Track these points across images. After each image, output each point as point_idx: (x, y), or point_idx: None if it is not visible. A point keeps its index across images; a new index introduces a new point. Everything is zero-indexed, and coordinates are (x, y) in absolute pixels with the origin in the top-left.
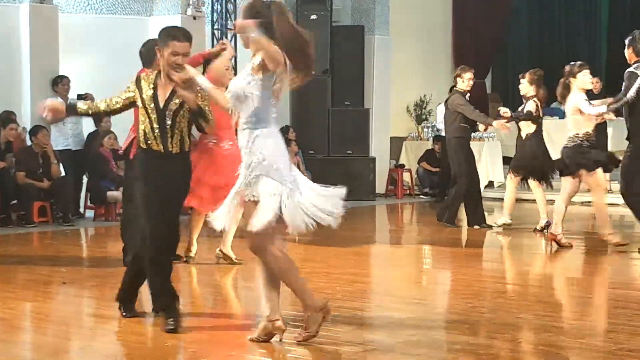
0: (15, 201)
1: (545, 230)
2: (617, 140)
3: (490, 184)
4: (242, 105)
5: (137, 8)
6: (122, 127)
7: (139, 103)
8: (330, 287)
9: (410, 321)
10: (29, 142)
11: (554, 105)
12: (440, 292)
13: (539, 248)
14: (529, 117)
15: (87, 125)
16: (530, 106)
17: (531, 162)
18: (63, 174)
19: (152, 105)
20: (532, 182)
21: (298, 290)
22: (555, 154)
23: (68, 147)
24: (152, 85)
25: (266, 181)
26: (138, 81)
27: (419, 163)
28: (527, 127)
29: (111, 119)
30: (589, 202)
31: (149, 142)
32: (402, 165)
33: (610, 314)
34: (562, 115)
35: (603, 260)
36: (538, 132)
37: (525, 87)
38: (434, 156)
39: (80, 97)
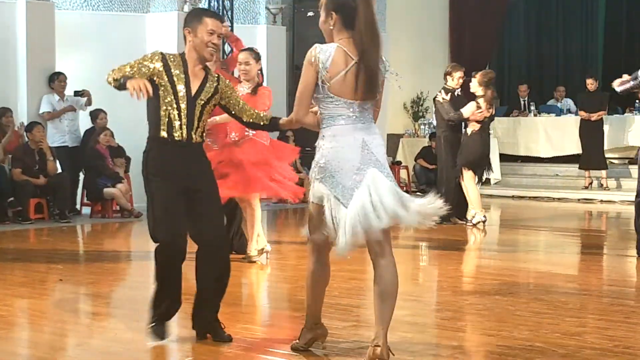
0: (11, 198)
1: (479, 224)
2: (612, 138)
3: (486, 181)
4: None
5: (133, 5)
6: (119, 125)
7: (166, 85)
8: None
9: (407, 318)
10: (25, 139)
11: (550, 102)
12: (436, 289)
13: (535, 245)
14: (457, 118)
15: (84, 122)
16: (467, 108)
17: (472, 156)
18: (59, 170)
19: (184, 92)
20: (467, 175)
21: (307, 304)
22: (555, 150)
23: (65, 143)
24: (182, 69)
25: (318, 186)
26: (166, 63)
27: (415, 160)
28: (472, 125)
29: (107, 115)
30: (586, 199)
31: (174, 130)
32: (399, 162)
33: (607, 311)
34: (558, 112)
35: (599, 257)
36: (482, 129)
37: (475, 86)
38: (430, 153)
39: (77, 93)
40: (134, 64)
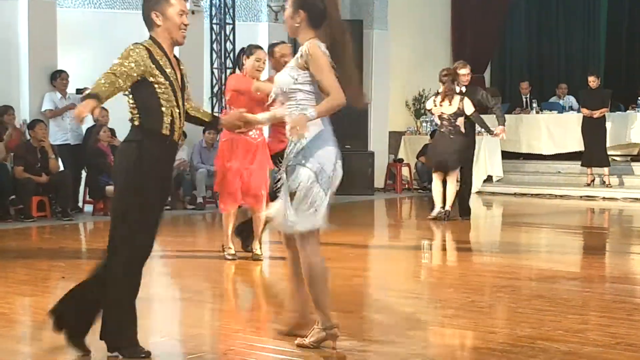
0: (13, 196)
1: (445, 219)
2: (615, 135)
3: (489, 179)
4: (289, 100)
5: (135, 2)
6: (122, 123)
7: (164, 83)
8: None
9: (409, 315)
10: (28, 137)
11: (552, 99)
12: (438, 286)
13: (537, 242)
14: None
15: (86, 120)
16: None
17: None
18: (61, 168)
19: (179, 84)
20: (434, 175)
21: (317, 302)
22: (557, 148)
23: (67, 141)
24: (168, 61)
25: (302, 171)
26: (153, 59)
27: (417, 157)
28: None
29: (109, 113)
30: (588, 196)
31: (174, 129)
32: (401, 160)
33: (609, 308)
34: (560, 109)
35: (602, 254)
36: (442, 126)
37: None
38: None
39: (79, 91)
40: (125, 67)
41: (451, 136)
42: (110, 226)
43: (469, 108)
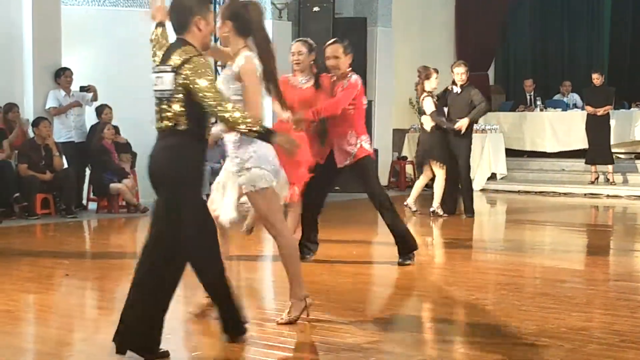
0: (17, 194)
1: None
2: (619, 133)
3: (493, 176)
4: None
5: (139, 0)
6: (125, 120)
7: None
8: (332, 279)
9: (412, 313)
10: (31, 134)
11: (556, 97)
12: (442, 284)
13: (541, 240)
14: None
15: (90, 118)
16: None
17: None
18: (66, 166)
19: None
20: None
21: (295, 275)
22: (561, 145)
23: (71, 139)
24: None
25: (260, 172)
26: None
27: None
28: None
29: (112, 111)
30: (592, 194)
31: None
32: (405, 158)
33: (613, 305)
34: (564, 107)
35: (606, 252)
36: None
37: None
38: None
39: (82, 88)
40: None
41: (419, 132)
42: (168, 230)
43: (428, 107)
